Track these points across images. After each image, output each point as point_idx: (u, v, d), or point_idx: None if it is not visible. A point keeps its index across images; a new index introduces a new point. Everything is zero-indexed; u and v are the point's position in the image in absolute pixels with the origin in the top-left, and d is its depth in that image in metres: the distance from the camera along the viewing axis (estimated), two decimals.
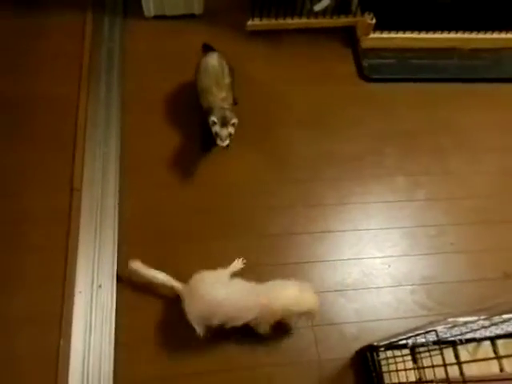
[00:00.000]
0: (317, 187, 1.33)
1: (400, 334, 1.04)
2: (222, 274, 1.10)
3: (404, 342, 1.06)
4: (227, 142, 1.23)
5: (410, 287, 1.22)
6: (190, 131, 1.36)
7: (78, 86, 1.37)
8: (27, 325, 1.07)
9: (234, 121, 1.23)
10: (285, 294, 1.05)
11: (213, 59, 1.34)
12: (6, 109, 1.33)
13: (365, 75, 1.53)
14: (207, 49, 1.40)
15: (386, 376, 1.04)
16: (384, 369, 1.06)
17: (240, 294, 1.06)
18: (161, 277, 1.09)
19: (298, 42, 1.57)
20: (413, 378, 1.03)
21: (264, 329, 1.08)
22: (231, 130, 1.24)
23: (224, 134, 1.22)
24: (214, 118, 1.23)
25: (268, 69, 1.51)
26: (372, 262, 1.25)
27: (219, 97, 1.29)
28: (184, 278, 1.08)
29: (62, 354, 1.04)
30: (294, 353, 1.12)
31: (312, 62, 1.55)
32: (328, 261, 1.23)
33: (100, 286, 1.12)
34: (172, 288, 1.08)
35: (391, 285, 1.22)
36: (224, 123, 1.22)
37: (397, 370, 1.04)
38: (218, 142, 1.23)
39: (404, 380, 1.02)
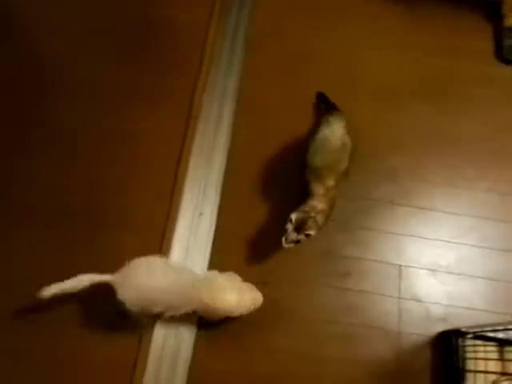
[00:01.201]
0: (427, 162, 1.27)
1: (491, 325, 1.03)
2: (160, 260, 1.02)
3: (493, 334, 1.04)
4: (289, 245, 1.06)
5: (509, 284, 1.17)
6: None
7: (210, 14, 1.37)
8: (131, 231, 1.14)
9: (311, 233, 1.05)
10: (224, 299, 1.00)
11: (335, 136, 1.14)
12: (136, 30, 1.35)
13: (503, 56, 1.41)
14: (324, 102, 1.27)
15: (469, 363, 1.03)
16: (468, 355, 1.04)
17: (181, 283, 1.00)
18: (85, 279, 0.98)
19: (436, 9, 1.45)
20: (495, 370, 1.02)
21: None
22: (302, 238, 1.06)
23: (291, 238, 1.05)
24: (293, 216, 1.05)
25: (400, 31, 1.42)
26: (472, 251, 1.19)
27: (326, 185, 1.08)
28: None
29: None
30: (374, 317, 1.12)
31: (446, 32, 1.44)
32: (425, 238, 1.20)
33: (201, 214, 1.18)
34: (101, 283, 0.99)
35: (489, 277, 1.17)
36: (299, 229, 1.05)
37: (480, 359, 1.02)
38: (282, 239, 1.06)
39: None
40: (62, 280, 0.97)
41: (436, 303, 1.15)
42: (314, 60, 1.37)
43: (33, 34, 1.35)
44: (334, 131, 1.12)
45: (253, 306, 1.05)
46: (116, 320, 1.05)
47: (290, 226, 1.04)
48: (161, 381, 1.03)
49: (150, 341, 1.05)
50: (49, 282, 0.97)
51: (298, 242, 1.05)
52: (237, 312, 1.03)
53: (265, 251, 1.15)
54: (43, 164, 1.19)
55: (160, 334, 1.06)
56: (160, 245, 1.12)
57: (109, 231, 1.14)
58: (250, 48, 1.36)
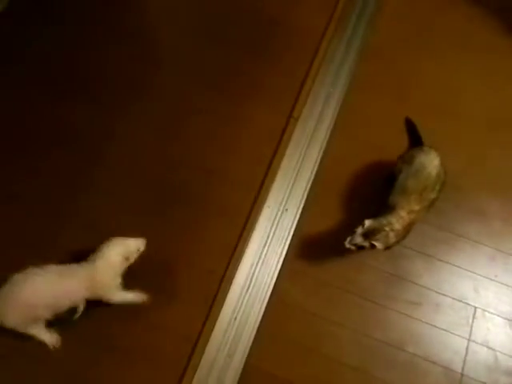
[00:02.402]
0: None
1: None
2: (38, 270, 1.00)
3: None
4: (350, 247, 1.03)
5: None
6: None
7: (327, 22, 1.38)
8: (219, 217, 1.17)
9: (376, 244, 1.02)
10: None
11: (432, 165, 1.11)
12: (256, 25, 1.39)
13: None
14: (411, 131, 1.25)
15: None
16: None
17: (55, 280, 0.99)
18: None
19: None
20: None
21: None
22: (366, 245, 1.03)
23: (355, 241, 1.03)
24: (366, 222, 1.03)
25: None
26: None
27: (410, 208, 1.07)
28: None
29: (240, 244, 1.13)
30: (439, 353, 1.08)
31: None
32: (508, 286, 1.14)
33: (286, 210, 1.19)
34: None
35: None
36: (367, 235, 1.02)
37: None
38: (347, 238, 1.03)
39: None
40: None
41: (507, 354, 1.09)
42: (423, 83, 1.35)
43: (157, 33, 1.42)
44: (432, 160, 1.11)
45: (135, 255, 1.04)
46: None
47: (359, 230, 1.04)
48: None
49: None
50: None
51: (360, 247, 1.04)
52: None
53: (334, 258, 1.14)
54: (148, 132, 1.25)
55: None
56: (243, 227, 1.14)
57: (197, 210, 1.18)
58: (362, 59, 1.36)
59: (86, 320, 1.03)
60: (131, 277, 1.04)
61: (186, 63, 1.34)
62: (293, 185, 1.22)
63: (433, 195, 1.11)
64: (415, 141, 1.24)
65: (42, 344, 1.01)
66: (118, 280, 1.03)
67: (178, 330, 1.06)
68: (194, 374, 1.02)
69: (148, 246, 1.06)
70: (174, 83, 1.30)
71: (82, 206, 1.16)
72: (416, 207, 1.07)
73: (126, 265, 1.04)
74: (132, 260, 1.05)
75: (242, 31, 1.38)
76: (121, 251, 1.03)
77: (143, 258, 1.06)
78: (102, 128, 1.25)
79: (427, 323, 1.11)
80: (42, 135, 1.24)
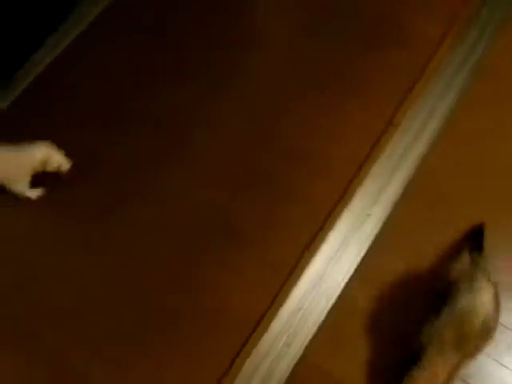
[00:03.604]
0: None
1: None
2: None
3: None
4: None
5: None
6: None
7: (446, 31, 1.31)
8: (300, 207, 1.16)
9: None
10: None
11: (479, 313, 0.88)
12: (369, 24, 1.35)
13: None
14: (475, 240, 1.02)
15: None
16: None
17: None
18: None
19: None
20: None
21: None
22: None
23: None
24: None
25: None
26: None
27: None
28: None
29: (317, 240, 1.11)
30: None
31: None
32: None
33: (369, 215, 1.16)
34: None
35: None
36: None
37: None
38: None
39: None
40: None
41: None
42: None
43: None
44: (479, 306, 0.89)
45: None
46: None
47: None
48: None
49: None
50: None
51: None
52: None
53: (409, 274, 1.07)
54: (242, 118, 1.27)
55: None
56: (322, 223, 1.11)
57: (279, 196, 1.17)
58: (475, 77, 1.27)
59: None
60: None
61: (290, 53, 1.34)
62: (380, 191, 1.18)
63: (476, 352, 0.89)
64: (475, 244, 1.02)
65: None
66: (28, 178, 1.18)
67: (239, 311, 1.07)
68: (248, 357, 1.01)
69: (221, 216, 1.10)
70: (275, 72, 1.31)
71: (166, 181, 1.21)
72: (453, 361, 0.88)
73: (41, 168, 1.17)
74: (48, 169, 1.17)
75: (352, 28, 1.35)
76: (44, 154, 1.16)
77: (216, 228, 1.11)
78: (198, 109, 1.29)
79: None
80: (135, 112, 1.30)
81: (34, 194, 1.23)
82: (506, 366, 0.98)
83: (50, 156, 1.16)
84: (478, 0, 1.36)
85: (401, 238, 1.14)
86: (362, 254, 1.12)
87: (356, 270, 1.10)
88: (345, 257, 1.11)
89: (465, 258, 0.98)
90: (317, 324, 1.04)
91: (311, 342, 1.03)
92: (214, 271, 1.11)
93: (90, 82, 1.34)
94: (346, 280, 1.09)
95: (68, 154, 1.21)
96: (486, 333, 0.90)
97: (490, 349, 0.95)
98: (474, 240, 1.03)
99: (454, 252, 1.05)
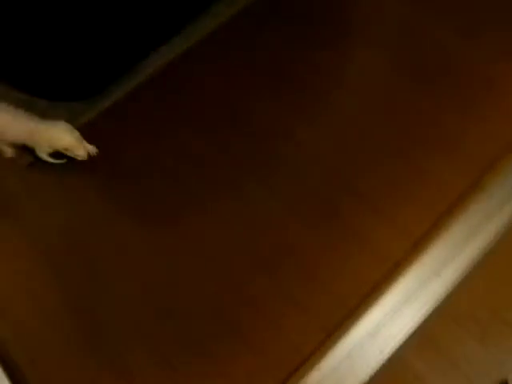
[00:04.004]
0: None
1: None
2: None
3: None
4: None
5: None
6: None
7: None
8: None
9: None
10: None
11: None
12: (470, 82, 1.25)
13: None
14: None
15: None
16: None
17: None
18: None
19: None
20: None
21: None
22: None
23: None
24: None
25: None
26: None
27: None
28: None
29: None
30: None
31: None
32: None
33: (438, 275, 1.09)
34: None
35: None
36: None
37: None
38: None
39: None
40: None
41: None
42: None
43: None
44: None
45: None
46: None
47: None
48: None
49: None
50: None
51: None
52: None
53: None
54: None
55: None
56: (389, 271, 0.99)
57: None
58: None
59: None
60: None
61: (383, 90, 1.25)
62: (455, 253, 1.11)
63: None
64: None
65: None
66: (45, 150, 1.17)
67: (290, 336, 0.96)
68: None
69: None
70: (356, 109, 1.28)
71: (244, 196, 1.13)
72: None
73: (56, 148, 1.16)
74: (62, 150, 1.16)
75: (450, 80, 1.25)
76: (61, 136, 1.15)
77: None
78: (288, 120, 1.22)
79: None
80: (223, 117, 1.25)
81: (58, 161, 1.20)
82: None
83: (64, 139, 1.15)
84: None
85: (468, 306, 1.06)
86: (426, 313, 1.05)
87: (416, 329, 1.03)
88: (407, 313, 1.04)
89: None
90: (367, 375, 0.97)
91: None
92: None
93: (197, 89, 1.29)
94: (403, 337, 1.01)
95: (169, 159, 1.19)
96: None
97: None
98: None
99: None
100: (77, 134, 1.18)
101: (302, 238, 1.05)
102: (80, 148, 1.17)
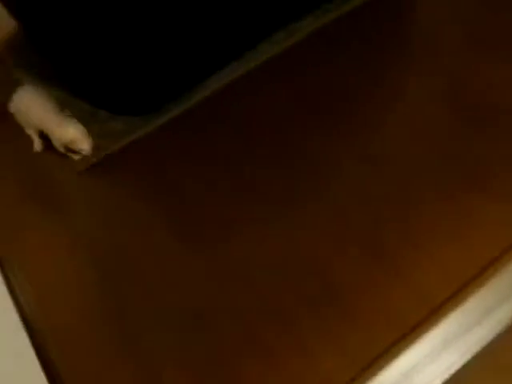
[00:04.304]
0: None
1: None
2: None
3: None
4: None
5: None
6: None
7: None
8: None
9: None
10: None
11: None
12: None
13: None
14: None
15: None
16: None
17: None
18: None
19: None
20: None
21: None
22: None
23: None
24: None
25: None
26: None
27: None
28: None
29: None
30: None
31: None
32: None
33: (480, 323, 1.06)
34: None
35: None
36: None
37: None
38: None
39: None
40: None
41: None
42: None
43: None
44: None
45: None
46: None
47: None
48: None
49: None
50: None
51: None
52: None
53: None
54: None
55: None
56: (429, 313, 0.97)
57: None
58: None
59: None
60: None
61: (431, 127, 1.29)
62: (501, 302, 1.08)
63: None
64: None
65: None
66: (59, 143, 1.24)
67: (324, 371, 0.93)
68: None
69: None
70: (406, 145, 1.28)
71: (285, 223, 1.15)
72: None
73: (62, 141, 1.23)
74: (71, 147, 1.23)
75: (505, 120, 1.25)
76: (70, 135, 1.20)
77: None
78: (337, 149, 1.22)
79: None
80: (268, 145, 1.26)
81: (72, 155, 1.27)
82: None
83: (69, 131, 1.21)
84: None
85: (509, 359, 1.01)
86: (464, 361, 1.02)
87: (453, 377, 1.00)
88: (444, 358, 1.01)
89: None
90: None
91: None
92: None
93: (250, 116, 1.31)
94: (439, 382, 0.99)
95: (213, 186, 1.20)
96: None
97: None
98: None
99: None
100: (82, 128, 1.23)
101: (344, 274, 1.05)
102: (84, 142, 1.23)
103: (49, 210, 1.29)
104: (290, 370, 0.94)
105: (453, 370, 0.93)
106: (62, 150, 1.28)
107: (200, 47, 1.26)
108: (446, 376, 0.93)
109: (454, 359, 0.94)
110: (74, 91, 1.33)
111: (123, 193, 1.27)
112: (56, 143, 1.27)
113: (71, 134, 1.21)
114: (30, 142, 1.35)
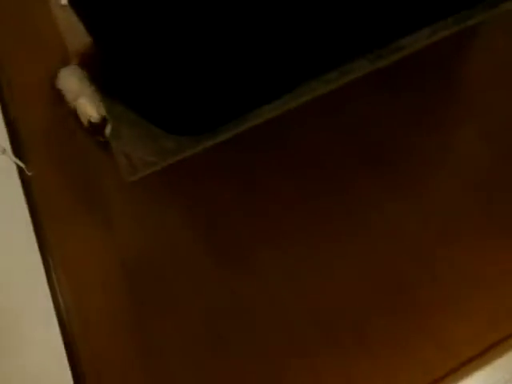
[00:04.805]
0: None
1: None
2: None
3: None
4: None
5: None
6: None
7: None
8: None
9: None
10: None
11: None
12: None
13: None
14: None
15: None
16: None
17: None
18: None
19: None
20: None
21: None
22: None
23: None
24: None
25: None
26: None
27: None
28: None
29: None
30: None
31: None
32: None
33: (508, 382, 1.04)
34: None
35: None
36: None
37: None
38: None
39: None
40: None
41: None
42: None
43: None
44: None
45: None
46: None
47: None
48: None
49: None
50: None
51: None
52: None
53: None
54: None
55: None
56: (458, 366, 0.97)
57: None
58: None
59: None
60: None
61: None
62: None
63: None
64: None
65: None
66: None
67: None
68: None
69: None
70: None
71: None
72: None
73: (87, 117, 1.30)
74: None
75: None
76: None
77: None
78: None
79: None
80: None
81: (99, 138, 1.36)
82: None
83: (84, 106, 1.31)
84: None
85: None
86: None
87: None
88: None
89: None
90: None
91: None
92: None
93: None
94: None
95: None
96: None
97: None
98: None
99: None
100: (104, 113, 1.34)
101: (372, 321, 1.06)
102: (97, 116, 1.32)
103: (94, 214, 1.35)
104: None
105: None
106: (87, 125, 1.36)
107: (257, 78, 1.31)
108: None
109: None
110: (133, 106, 1.40)
111: (165, 207, 1.32)
112: (83, 119, 1.35)
113: (95, 115, 1.32)
114: (85, 145, 1.43)
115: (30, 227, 1.27)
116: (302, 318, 1.07)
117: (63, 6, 1.56)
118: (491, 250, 1.13)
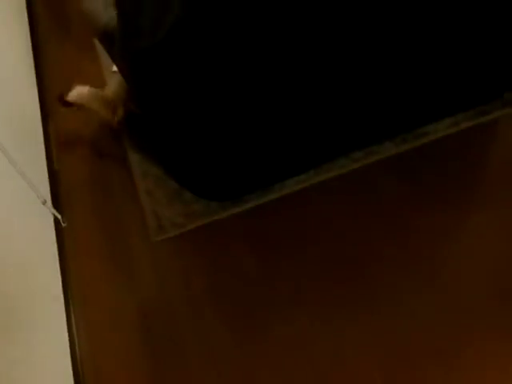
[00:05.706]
0: None
1: None
2: None
3: None
4: None
5: None
6: None
7: None
8: None
9: None
10: None
11: None
12: None
13: None
14: None
15: None
16: None
17: None
18: None
19: None
20: None
21: None
22: None
23: None
24: None
25: None
26: None
27: None
28: None
29: None
30: None
31: None
32: None
33: None
34: None
35: None
36: None
37: None
38: None
39: None
40: None
41: None
42: None
43: None
44: None
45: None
46: None
47: None
48: None
49: None
50: None
51: None
52: None
53: None
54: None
55: None
56: None
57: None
58: None
59: None
60: None
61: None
62: None
63: None
64: None
65: None
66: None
67: None
68: None
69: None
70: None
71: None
72: None
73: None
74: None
75: None
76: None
77: None
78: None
79: None
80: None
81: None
82: None
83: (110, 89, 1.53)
84: None
85: None
86: None
87: None
88: None
89: None
90: None
91: None
92: None
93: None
94: None
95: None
96: None
97: None
98: None
99: None
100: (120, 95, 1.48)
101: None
102: (118, 108, 1.48)
103: (119, 267, 1.41)
104: None
105: None
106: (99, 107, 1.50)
107: (284, 153, 1.39)
108: None
109: None
110: (167, 170, 1.49)
111: (190, 267, 1.37)
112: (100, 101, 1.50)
113: (111, 93, 1.50)
114: (118, 201, 1.51)
115: (58, 276, 1.33)
116: None
117: (114, 72, 1.71)
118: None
